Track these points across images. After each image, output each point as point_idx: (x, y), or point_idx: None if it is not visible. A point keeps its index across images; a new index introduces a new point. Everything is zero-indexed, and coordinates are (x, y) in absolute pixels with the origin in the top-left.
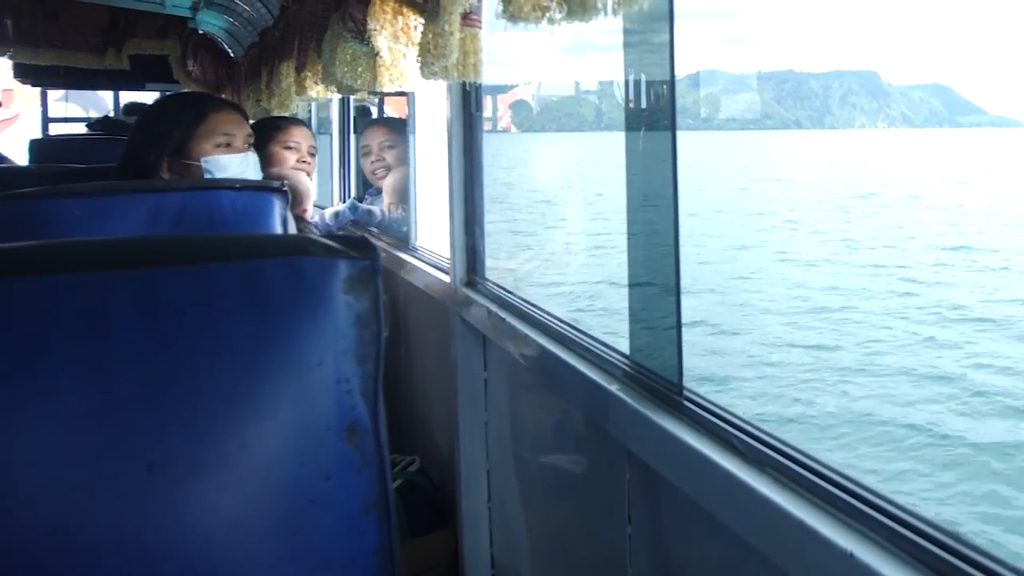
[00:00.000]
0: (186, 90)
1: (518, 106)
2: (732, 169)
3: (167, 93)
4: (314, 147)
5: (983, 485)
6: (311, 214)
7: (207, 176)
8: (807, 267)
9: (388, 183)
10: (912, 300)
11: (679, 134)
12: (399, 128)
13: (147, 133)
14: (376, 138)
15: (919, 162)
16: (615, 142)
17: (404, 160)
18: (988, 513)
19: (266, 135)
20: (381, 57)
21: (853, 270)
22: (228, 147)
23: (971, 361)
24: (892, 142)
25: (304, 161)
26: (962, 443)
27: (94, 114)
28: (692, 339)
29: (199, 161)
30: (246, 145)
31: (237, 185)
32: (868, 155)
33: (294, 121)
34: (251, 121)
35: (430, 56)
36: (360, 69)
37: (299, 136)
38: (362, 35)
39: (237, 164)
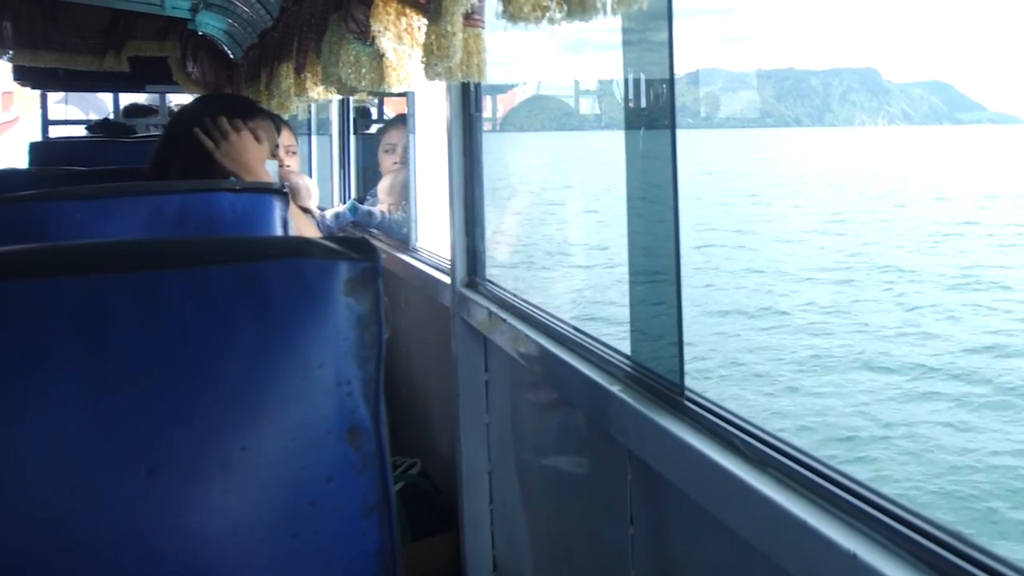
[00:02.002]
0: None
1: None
2: (780, 178)
3: (171, 95)
4: (291, 147)
5: None
6: (316, 215)
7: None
8: None
9: (383, 186)
10: None
11: (678, 132)
12: None
13: (186, 124)
14: (403, 138)
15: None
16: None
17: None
18: None
19: None
20: (387, 58)
21: None
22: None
23: None
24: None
25: (274, 156)
26: None
27: (94, 116)
28: None
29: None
30: (272, 152)
31: (237, 187)
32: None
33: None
34: None
35: (434, 57)
36: (364, 70)
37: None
38: (365, 36)
39: (271, 167)
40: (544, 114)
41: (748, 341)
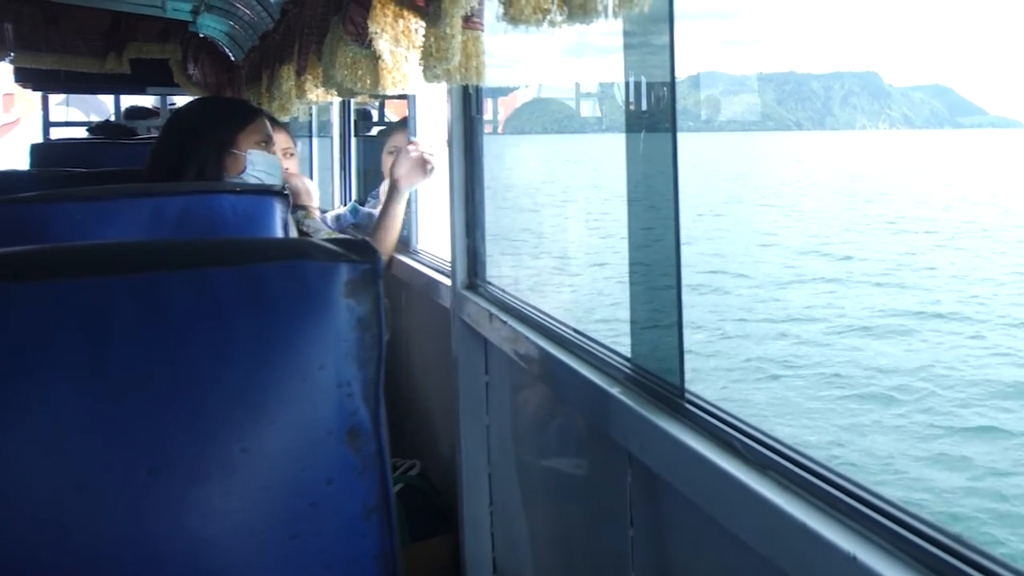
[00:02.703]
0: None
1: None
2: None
3: (171, 97)
4: (289, 149)
5: None
6: (317, 216)
7: (248, 166)
8: None
9: (385, 188)
10: None
11: (679, 135)
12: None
13: (195, 128)
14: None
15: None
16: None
17: None
18: None
19: None
20: (383, 60)
21: None
22: (264, 147)
23: None
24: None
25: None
26: None
27: (95, 118)
28: None
29: (245, 152)
30: (272, 151)
31: (238, 189)
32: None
33: (272, 124)
34: None
35: (432, 59)
36: (360, 72)
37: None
38: (362, 38)
39: (272, 163)
40: (545, 117)
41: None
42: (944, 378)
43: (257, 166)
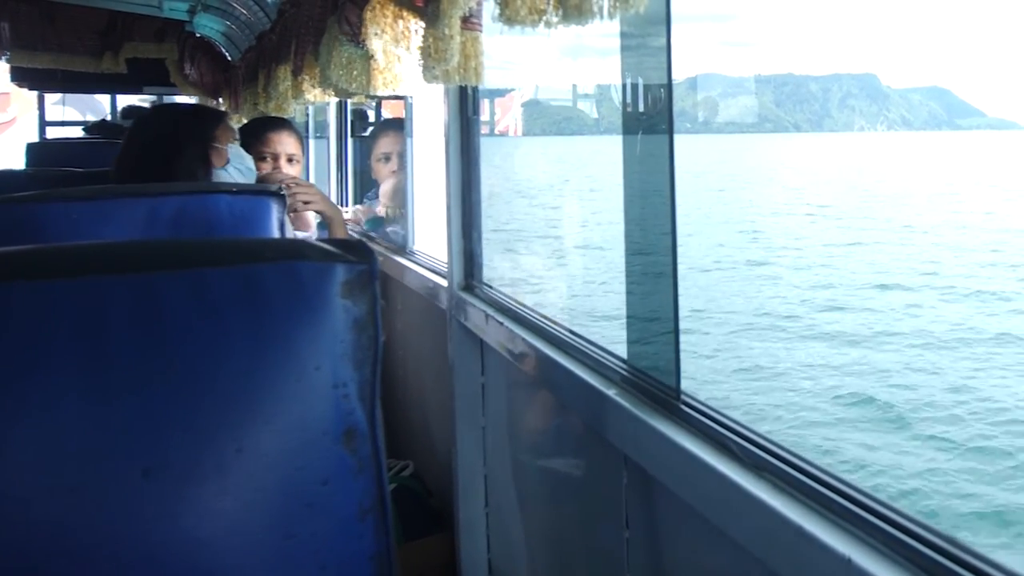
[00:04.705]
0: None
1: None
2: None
3: (168, 97)
4: (295, 156)
5: None
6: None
7: (232, 158)
8: None
9: (385, 189)
10: None
11: (676, 137)
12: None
13: (178, 133)
14: (396, 146)
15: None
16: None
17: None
18: None
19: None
20: (375, 60)
21: None
22: (236, 141)
23: None
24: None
25: (263, 159)
26: None
27: (91, 118)
28: None
29: (227, 147)
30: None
31: (234, 189)
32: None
33: (278, 126)
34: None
35: (431, 60)
36: (355, 72)
37: (276, 145)
38: (357, 38)
39: (242, 155)
40: (544, 118)
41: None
42: None
43: (234, 161)
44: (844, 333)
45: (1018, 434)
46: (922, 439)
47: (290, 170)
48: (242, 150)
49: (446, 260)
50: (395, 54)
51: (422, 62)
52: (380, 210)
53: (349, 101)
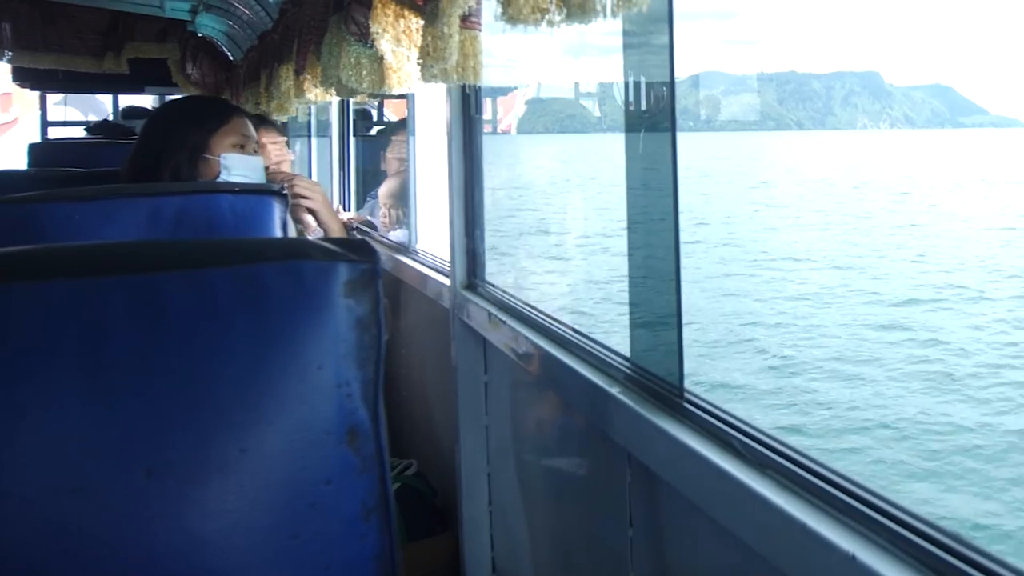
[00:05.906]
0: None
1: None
2: None
3: (169, 96)
4: (276, 144)
5: None
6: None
7: (223, 171)
8: None
9: (385, 190)
10: None
11: (679, 135)
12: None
13: (167, 131)
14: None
15: None
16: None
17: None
18: None
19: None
20: (387, 60)
21: None
22: (242, 148)
23: None
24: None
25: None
26: None
27: (93, 118)
28: None
29: (219, 157)
30: (253, 151)
31: (236, 188)
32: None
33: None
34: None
35: (429, 59)
36: (365, 72)
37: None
38: (366, 38)
39: (250, 165)
40: (547, 117)
41: None
42: None
43: (233, 171)
44: None
45: None
46: None
47: (283, 163)
48: (247, 158)
49: (448, 259)
50: (405, 53)
51: (421, 61)
52: (380, 217)
53: (352, 100)
